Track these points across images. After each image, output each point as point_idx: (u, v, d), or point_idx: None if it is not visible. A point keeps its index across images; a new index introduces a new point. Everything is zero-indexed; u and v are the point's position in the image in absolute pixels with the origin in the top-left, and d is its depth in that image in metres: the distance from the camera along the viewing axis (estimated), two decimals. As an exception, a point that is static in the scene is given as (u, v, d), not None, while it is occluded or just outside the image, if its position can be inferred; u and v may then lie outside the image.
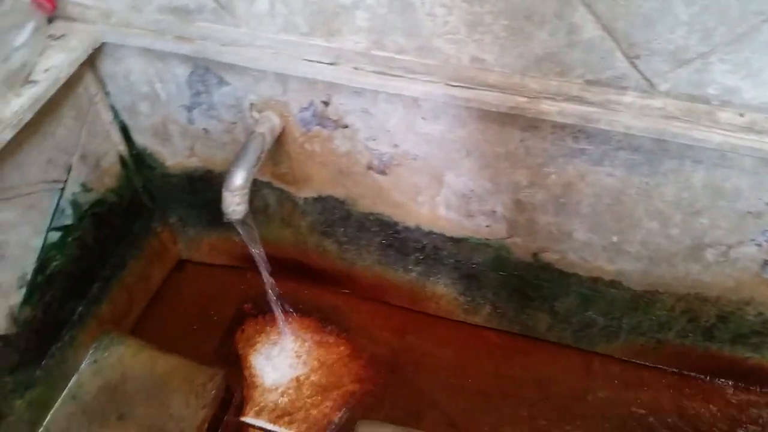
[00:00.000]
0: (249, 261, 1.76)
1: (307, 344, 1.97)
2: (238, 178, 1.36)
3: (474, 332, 2.02)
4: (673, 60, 1.10)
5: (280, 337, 1.97)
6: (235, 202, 1.37)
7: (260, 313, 2.04)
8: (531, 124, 1.30)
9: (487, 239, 1.65)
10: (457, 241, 1.69)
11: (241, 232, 1.45)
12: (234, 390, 1.84)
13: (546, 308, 1.83)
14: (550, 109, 1.22)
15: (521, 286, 1.78)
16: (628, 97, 1.18)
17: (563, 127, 1.28)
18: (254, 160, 1.39)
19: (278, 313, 1.86)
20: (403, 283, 1.92)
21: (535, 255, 1.65)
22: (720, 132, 1.17)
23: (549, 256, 1.65)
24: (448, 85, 1.25)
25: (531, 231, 1.58)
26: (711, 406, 1.86)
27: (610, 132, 1.25)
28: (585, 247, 1.57)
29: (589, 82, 1.19)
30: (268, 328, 2.01)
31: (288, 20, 1.27)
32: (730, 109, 1.15)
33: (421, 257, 1.79)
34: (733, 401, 1.85)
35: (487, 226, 1.61)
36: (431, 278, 1.86)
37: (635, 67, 1.14)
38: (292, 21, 1.27)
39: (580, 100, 1.21)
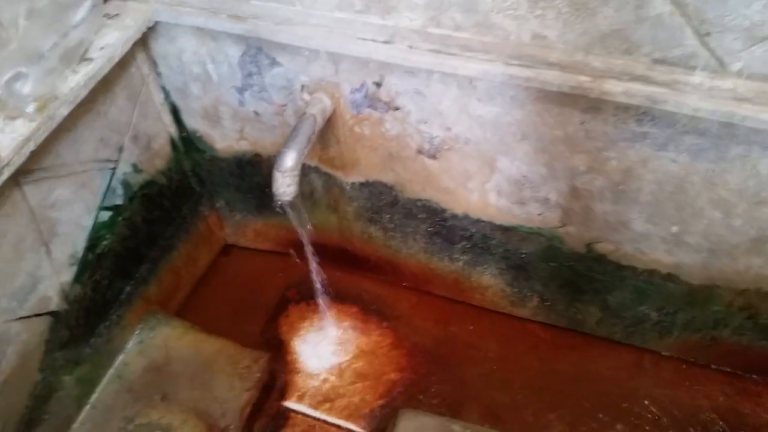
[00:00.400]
0: (293, 247, 1.75)
1: (349, 332, 1.95)
2: (290, 159, 1.34)
3: (520, 325, 1.98)
4: (747, 37, 1.05)
5: (324, 323, 1.96)
6: (286, 183, 1.36)
7: (304, 299, 2.03)
8: (592, 105, 1.25)
9: (539, 228, 1.61)
10: (506, 230, 1.65)
11: (290, 214, 1.44)
12: (277, 374, 1.84)
13: (597, 302, 1.77)
14: (614, 89, 1.17)
15: (572, 279, 1.73)
16: (697, 78, 1.13)
17: (627, 108, 1.23)
18: (305, 142, 1.37)
19: (322, 299, 1.85)
20: (449, 273, 1.88)
21: (588, 246, 1.60)
22: (795, 115, 1.10)
23: (604, 247, 1.59)
24: (507, 63, 1.21)
25: (586, 220, 1.53)
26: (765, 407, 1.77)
27: (676, 114, 1.20)
28: (642, 238, 1.51)
29: (656, 61, 1.14)
30: (311, 314, 2.00)
31: (343, -3, 1.25)
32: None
33: (469, 246, 1.76)
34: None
35: (540, 215, 1.57)
36: (478, 268, 1.82)
37: (705, 45, 1.08)
38: (347, -2, 1.25)
39: (646, 79, 1.16)
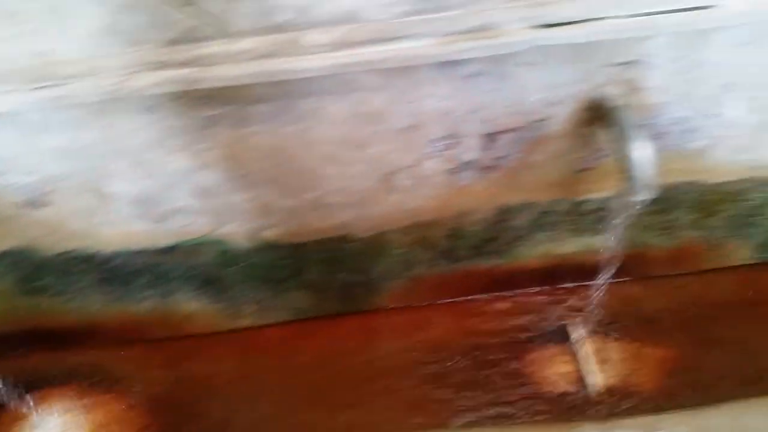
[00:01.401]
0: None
1: (74, 413, 1.76)
2: None
3: (249, 335, 1.91)
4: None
5: (43, 417, 1.74)
6: None
7: (9, 400, 1.79)
8: (149, 103, 1.20)
9: (197, 238, 1.54)
10: (169, 251, 1.57)
11: None
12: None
13: (301, 285, 1.76)
14: (144, 82, 1.13)
15: (265, 273, 1.69)
16: (214, 47, 1.11)
17: (179, 96, 1.19)
18: None
19: (24, 394, 1.64)
20: (150, 313, 1.76)
21: (255, 237, 1.57)
22: (318, 57, 1.12)
23: (270, 233, 1.57)
24: (30, 91, 1.10)
25: (235, 213, 1.50)
26: (490, 321, 1.87)
27: (225, 88, 1.17)
28: (294, 212, 1.51)
29: (170, 42, 1.10)
30: (24, 412, 1.77)
31: None
32: (313, 29, 1.10)
33: (147, 280, 1.65)
34: (504, 309, 1.87)
35: (188, 225, 1.50)
36: (171, 298, 1.72)
37: (196, 13, 1.05)
38: None
39: (172, 64, 1.12)
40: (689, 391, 1.65)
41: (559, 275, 1.81)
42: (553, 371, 1.76)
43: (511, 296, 1.91)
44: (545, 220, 1.65)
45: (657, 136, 1.44)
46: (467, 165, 1.46)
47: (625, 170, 1.21)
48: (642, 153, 1.17)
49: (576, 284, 1.87)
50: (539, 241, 1.72)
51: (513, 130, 1.39)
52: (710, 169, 1.55)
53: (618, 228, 1.44)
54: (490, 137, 1.40)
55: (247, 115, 1.24)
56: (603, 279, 1.62)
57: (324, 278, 1.73)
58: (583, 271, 1.76)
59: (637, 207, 1.27)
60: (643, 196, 1.22)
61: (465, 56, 1.17)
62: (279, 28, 1.10)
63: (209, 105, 1.22)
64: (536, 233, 1.69)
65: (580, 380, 1.71)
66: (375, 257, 1.69)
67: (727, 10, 1.17)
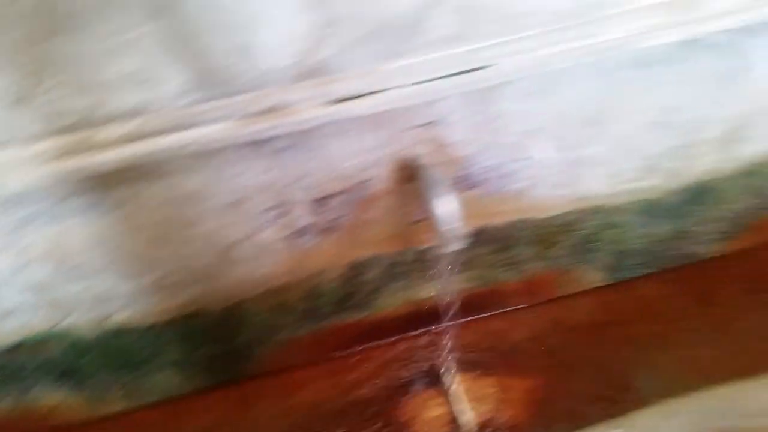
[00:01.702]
0: None
1: None
2: None
3: (119, 421, 1.87)
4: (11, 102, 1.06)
5: None
6: None
7: None
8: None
9: (40, 333, 1.51)
10: (15, 349, 1.54)
11: None
12: None
13: (164, 365, 1.74)
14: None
15: (122, 358, 1.67)
16: (7, 154, 1.12)
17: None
18: None
19: None
20: (9, 412, 1.71)
21: (101, 324, 1.55)
22: (114, 150, 1.15)
23: (117, 319, 1.56)
24: None
25: (75, 304, 1.49)
26: (363, 374, 1.91)
27: (30, 190, 1.18)
28: (137, 296, 1.52)
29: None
30: None
31: None
32: (105, 126, 1.13)
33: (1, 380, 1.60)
34: (376, 360, 1.92)
35: (29, 321, 1.48)
36: (31, 394, 1.68)
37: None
38: None
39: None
40: (558, 417, 1.73)
41: (424, 319, 1.88)
42: (427, 415, 1.80)
43: (381, 346, 1.95)
44: (396, 270, 1.72)
45: (477, 184, 1.54)
46: (305, 229, 1.51)
47: (434, 224, 1.28)
48: (445, 208, 1.25)
49: (441, 326, 1.93)
50: (396, 290, 1.78)
51: (340, 193, 1.46)
52: (536, 206, 1.66)
53: (450, 273, 1.51)
54: (319, 202, 1.46)
55: (60, 210, 1.26)
56: (449, 320, 1.69)
57: (186, 355, 1.73)
58: (446, 312, 1.82)
59: (454, 256, 1.35)
60: (453, 246, 1.29)
61: (264, 135, 1.22)
62: (70, 128, 1.13)
63: (19, 205, 1.23)
64: (391, 283, 1.75)
65: (454, 421, 1.75)
66: (235, 327, 1.70)
67: (504, 68, 1.27)
